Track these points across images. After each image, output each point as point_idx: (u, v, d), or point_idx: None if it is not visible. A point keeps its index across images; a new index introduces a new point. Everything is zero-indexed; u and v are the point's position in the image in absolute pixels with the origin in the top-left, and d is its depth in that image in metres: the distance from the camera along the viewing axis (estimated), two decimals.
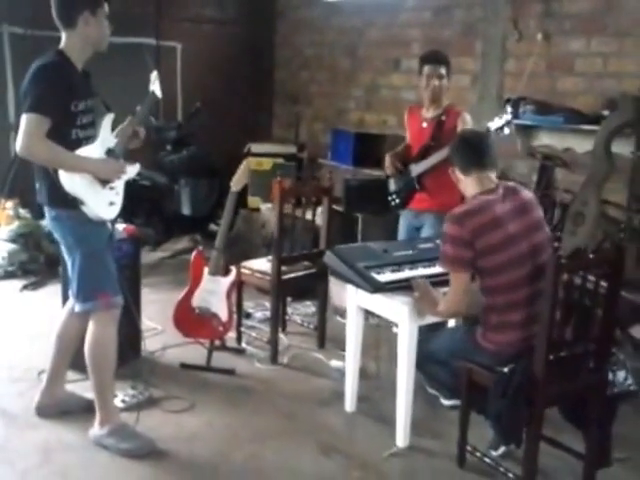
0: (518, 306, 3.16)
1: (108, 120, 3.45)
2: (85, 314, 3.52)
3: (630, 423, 3.85)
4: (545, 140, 5.52)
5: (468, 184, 3.34)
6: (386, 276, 3.62)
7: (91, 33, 3.32)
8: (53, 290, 5.21)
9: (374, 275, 3.60)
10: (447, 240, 3.20)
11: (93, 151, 3.36)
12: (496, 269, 3.15)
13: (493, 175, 3.34)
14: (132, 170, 3.56)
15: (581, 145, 5.17)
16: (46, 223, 3.66)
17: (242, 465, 3.43)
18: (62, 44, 3.34)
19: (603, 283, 3.16)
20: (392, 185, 4.83)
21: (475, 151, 3.34)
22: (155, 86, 3.72)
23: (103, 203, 3.40)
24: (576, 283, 3.06)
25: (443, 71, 4.57)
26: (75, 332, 3.69)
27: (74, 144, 3.29)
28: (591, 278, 3.10)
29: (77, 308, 3.52)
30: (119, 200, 3.50)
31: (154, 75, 3.75)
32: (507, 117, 4.23)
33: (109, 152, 3.42)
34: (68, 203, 3.30)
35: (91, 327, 3.51)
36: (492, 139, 3.59)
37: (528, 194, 3.38)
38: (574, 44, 5.48)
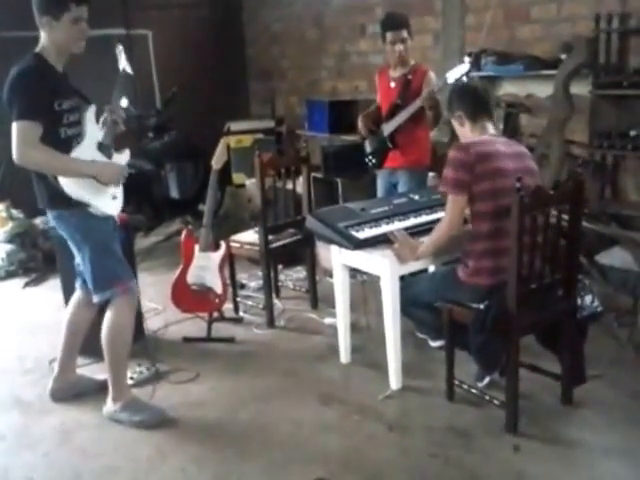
0: (499, 234, 3.30)
1: (91, 112, 3.49)
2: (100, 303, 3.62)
3: (600, 342, 4.10)
4: (508, 88, 5.70)
5: (474, 130, 3.52)
6: (365, 233, 3.80)
7: (56, 37, 3.28)
8: (53, 284, 5.37)
9: (354, 233, 3.78)
10: (450, 164, 3.37)
11: (86, 150, 3.39)
12: (488, 195, 3.29)
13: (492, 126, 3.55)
14: (123, 158, 3.62)
15: (542, 90, 5.36)
16: (50, 224, 3.68)
17: (248, 423, 3.62)
18: (39, 46, 3.33)
19: (565, 217, 3.36)
20: (368, 147, 5.02)
21: (482, 101, 3.57)
22: (123, 62, 3.72)
23: (107, 199, 3.47)
24: (540, 219, 3.22)
25: (405, 34, 4.69)
26: (85, 319, 3.83)
27: (64, 143, 3.32)
28: (554, 213, 3.28)
29: (96, 299, 3.56)
30: (120, 192, 3.56)
31: (119, 49, 3.72)
32: (465, 67, 4.40)
33: (100, 147, 3.47)
34: (69, 202, 3.34)
35: (109, 312, 3.57)
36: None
37: (526, 149, 3.58)
38: None
